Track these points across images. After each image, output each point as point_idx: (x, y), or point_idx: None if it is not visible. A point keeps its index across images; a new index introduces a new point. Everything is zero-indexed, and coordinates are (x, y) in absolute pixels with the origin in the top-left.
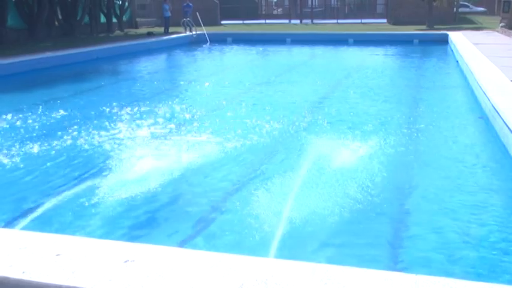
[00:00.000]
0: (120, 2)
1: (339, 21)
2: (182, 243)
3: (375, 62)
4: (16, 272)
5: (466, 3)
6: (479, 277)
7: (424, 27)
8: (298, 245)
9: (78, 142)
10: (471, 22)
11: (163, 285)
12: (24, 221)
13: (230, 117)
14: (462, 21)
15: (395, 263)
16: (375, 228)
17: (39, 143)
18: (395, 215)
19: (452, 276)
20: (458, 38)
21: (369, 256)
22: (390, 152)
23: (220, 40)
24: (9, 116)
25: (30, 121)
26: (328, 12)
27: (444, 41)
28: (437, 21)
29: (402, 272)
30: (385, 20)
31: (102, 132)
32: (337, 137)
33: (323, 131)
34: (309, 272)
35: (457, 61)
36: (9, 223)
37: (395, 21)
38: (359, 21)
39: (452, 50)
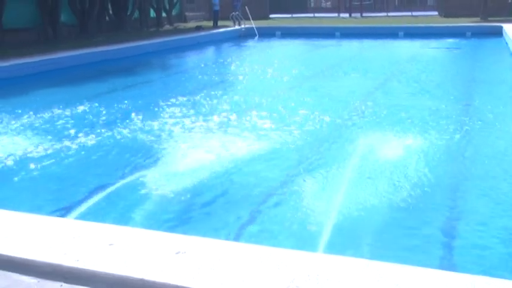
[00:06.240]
0: None
1: (389, 14)
2: (234, 235)
3: (426, 56)
4: (70, 260)
5: None
6: None
7: (477, 19)
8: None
9: (131, 133)
10: None
11: (214, 278)
12: (78, 210)
13: (284, 107)
14: None
15: None
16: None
17: (91, 135)
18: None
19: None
20: None
21: None
22: (445, 145)
23: (269, 34)
24: (64, 108)
25: (83, 113)
26: (378, 4)
27: (498, 33)
28: (492, 12)
29: (458, 272)
30: (436, 12)
31: (159, 124)
32: (391, 128)
33: (377, 122)
34: (362, 269)
35: None
36: (64, 212)
37: (446, 13)
38: (409, 13)
39: (507, 43)
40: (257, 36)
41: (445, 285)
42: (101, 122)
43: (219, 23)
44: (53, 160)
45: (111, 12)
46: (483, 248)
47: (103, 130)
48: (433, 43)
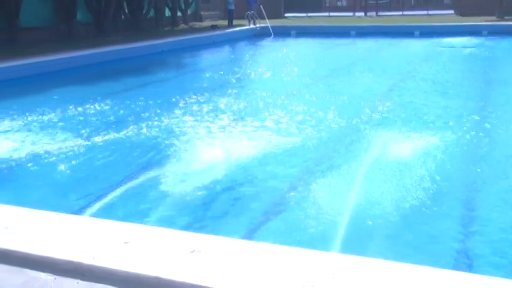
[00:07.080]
0: None
1: (405, 12)
2: (249, 235)
3: (441, 55)
4: (87, 257)
5: None
6: None
7: (493, 18)
8: None
9: (145, 132)
10: None
11: (229, 277)
12: (94, 208)
13: (300, 106)
14: None
15: None
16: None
17: (105, 133)
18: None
19: None
20: None
21: None
22: (459, 147)
23: (284, 33)
24: (79, 107)
25: (97, 112)
26: (394, 3)
27: None
28: (508, 11)
29: (474, 274)
30: (452, 11)
31: (172, 123)
32: (405, 129)
33: (391, 122)
34: (377, 269)
35: None
36: (80, 210)
37: (462, 12)
38: (425, 12)
39: None
40: (272, 36)
41: (460, 286)
42: (115, 119)
43: (234, 22)
44: (76, 157)
45: (126, 11)
46: None
47: (120, 127)
48: (448, 42)
